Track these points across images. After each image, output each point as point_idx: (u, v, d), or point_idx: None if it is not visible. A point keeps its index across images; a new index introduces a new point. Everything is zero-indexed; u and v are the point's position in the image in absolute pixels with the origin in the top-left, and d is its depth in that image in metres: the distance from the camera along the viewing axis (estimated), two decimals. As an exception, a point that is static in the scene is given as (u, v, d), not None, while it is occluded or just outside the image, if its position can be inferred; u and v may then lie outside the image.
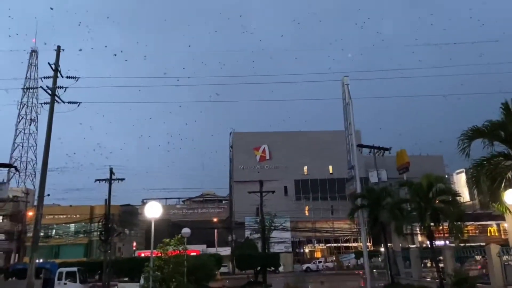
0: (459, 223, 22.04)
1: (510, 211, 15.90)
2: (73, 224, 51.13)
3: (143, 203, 51.07)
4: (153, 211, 16.14)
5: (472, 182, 16.41)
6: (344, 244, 54.89)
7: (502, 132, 15.59)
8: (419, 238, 44.53)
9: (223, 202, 63.10)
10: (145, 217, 18.80)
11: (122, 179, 33.92)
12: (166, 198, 58.78)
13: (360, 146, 37.92)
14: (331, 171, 58.69)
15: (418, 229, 31.04)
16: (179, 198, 63.15)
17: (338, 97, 36.44)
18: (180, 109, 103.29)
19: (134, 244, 52.18)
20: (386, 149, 38.21)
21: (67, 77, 22.76)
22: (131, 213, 51.58)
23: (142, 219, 44.10)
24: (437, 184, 21.30)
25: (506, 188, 15.18)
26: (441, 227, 23.62)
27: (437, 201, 21.90)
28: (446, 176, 43.57)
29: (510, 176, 15.10)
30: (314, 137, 58.89)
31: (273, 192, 39.14)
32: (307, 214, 56.85)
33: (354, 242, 53.94)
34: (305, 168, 60.16)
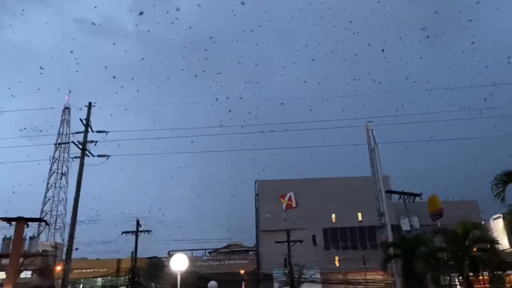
0: (500, 272, 20.78)
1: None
2: (100, 278, 50.91)
3: (169, 255, 50.58)
4: (179, 263, 15.96)
5: (510, 228, 15.60)
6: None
7: (538, 175, 14.98)
8: (459, 289, 41.95)
9: (250, 253, 61.81)
10: (171, 270, 18.53)
11: (148, 231, 34.00)
12: (192, 250, 58.09)
13: (389, 192, 37.09)
14: (360, 218, 57.08)
15: (456, 280, 29.29)
16: (205, 250, 62.31)
17: (363, 143, 36.35)
18: (206, 159, 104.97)
19: (161, 298, 51.24)
20: (417, 194, 37.18)
21: (97, 131, 23.68)
22: (157, 266, 51.00)
23: (168, 272, 43.52)
24: (474, 231, 20.41)
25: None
26: (481, 277, 22.31)
27: (474, 249, 20.85)
28: (483, 222, 41.65)
29: (551, 221, 14.31)
30: (342, 183, 57.92)
31: (301, 241, 38.20)
32: (337, 264, 54.80)
33: (388, 294, 51.27)
34: (333, 215, 58.77)
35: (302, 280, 36.60)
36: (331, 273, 51.48)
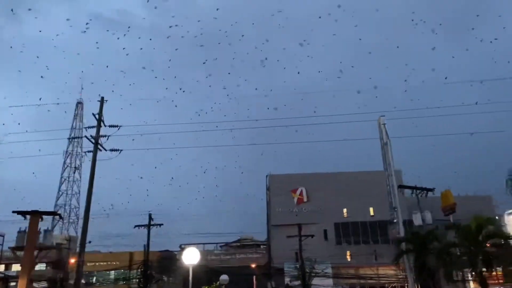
0: (515, 268, 20.51)
1: None
2: (113, 271, 51.55)
3: (181, 248, 50.99)
4: (191, 257, 16.07)
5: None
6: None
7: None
8: (472, 285, 41.48)
9: (261, 247, 61.96)
10: (183, 264, 18.68)
11: (160, 225, 34.29)
12: (203, 243, 58.48)
13: (402, 187, 36.72)
14: (372, 213, 56.77)
15: (469, 275, 29.00)
16: (216, 243, 62.68)
17: (376, 137, 36.03)
18: (218, 153, 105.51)
19: (174, 291, 51.69)
20: (430, 189, 36.66)
21: (109, 126, 23.88)
22: (169, 259, 51.47)
23: (180, 265, 43.94)
24: (487, 226, 20.16)
25: None
26: (494, 273, 22.06)
27: (488, 245, 20.62)
28: (497, 218, 41.10)
29: None
30: (353, 178, 57.62)
31: (312, 236, 38.14)
32: (349, 259, 54.66)
33: (401, 289, 50.99)
34: (345, 210, 58.55)
35: (313, 274, 36.56)
36: (342, 268, 51.41)
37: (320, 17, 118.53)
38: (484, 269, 20.19)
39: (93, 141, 22.86)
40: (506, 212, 44.37)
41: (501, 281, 24.75)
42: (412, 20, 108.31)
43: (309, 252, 38.94)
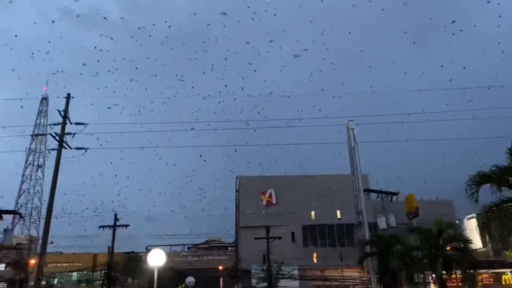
0: (472, 271, 21.33)
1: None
2: (75, 273, 50.18)
3: (147, 250, 50.19)
4: (156, 259, 15.85)
5: (482, 228, 16.02)
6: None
7: (509, 178, 15.38)
8: (432, 287, 42.90)
9: (229, 249, 61.80)
10: (148, 265, 18.41)
11: (126, 225, 33.62)
12: (170, 245, 57.79)
13: (368, 191, 37.62)
14: (339, 216, 57.70)
15: (430, 278, 29.97)
16: (184, 245, 62.04)
17: (344, 141, 36.69)
18: (186, 155, 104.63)
19: (137, 293, 50.76)
20: (394, 193, 37.78)
21: (75, 123, 23.25)
22: (135, 261, 50.56)
23: (146, 267, 43.32)
24: (448, 230, 20.89)
25: (518, 235, 14.77)
26: (454, 276, 22.87)
27: (448, 248, 21.36)
28: (457, 222, 42.65)
29: (521, 222, 14.71)
30: (322, 181, 58.41)
31: (279, 238, 38.39)
32: (315, 261, 55.33)
33: (364, 291, 52.01)
34: (313, 213, 59.24)
35: (280, 276, 36.80)
36: (309, 270, 51.98)
37: (291, 21, 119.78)
38: (444, 272, 20.90)
39: (57, 138, 22.18)
40: (466, 217, 46.07)
41: (460, 284, 25.67)
42: (381, 28, 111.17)
43: (276, 254, 39.18)
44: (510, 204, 15.20)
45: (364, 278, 45.34)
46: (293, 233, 57.26)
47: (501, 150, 16.17)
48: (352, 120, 35.68)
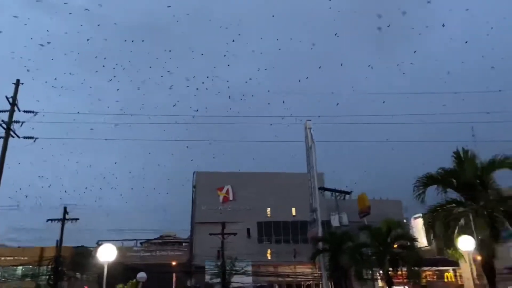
0: (417, 268, 22.36)
1: (463, 257, 16.30)
2: (20, 267, 47.86)
3: (98, 244, 48.68)
4: (106, 254, 15.42)
5: (428, 228, 16.84)
6: (307, 289, 54.03)
7: (454, 180, 16.24)
8: (380, 283, 44.58)
9: (184, 244, 61.17)
10: (98, 260, 17.90)
11: (76, 219, 32.45)
12: (122, 240, 56.32)
13: (322, 189, 38.50)
14: (294, 213, 58.62)
15: (378, 274, 31.16)
16: (137, 240, 60.70)
17: (302, 140, 37.28)
18: (144, 149, 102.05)
19: (86, 289, 49.17)
20: (347, 192, 38.90)
21: (24, 111, 22.16)
22: (84, 256, 48.90)
23: (96, 262, 42.07)
24: (396, 229, 21.78)
25: (459, 234, 15.63)
26: (400, 272, 23.86)
27: (395, 246, 22.26)
28: (405, 221, 44.52)
29: (463, 222, 15.60)
30: (278, 179, 59.06)
31: (234, 234, 38.49)
32: (269, 257, 55.92)
33: (316, 287, 53.16)
34: (269, 210, 59.83)
35: (234, 272, 36.91)
36: (262, 266, 52.48)
37: (251, 19, 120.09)
38: (390, 269, 21.78)
39: (4, 126, 21.03)
40: (413, 216, 48.17)
41: (405, 280, 26.85)
42: (336, 34, 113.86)
43: (231, 250, 39.23)
44: (453, 205, 16.08)
45: (315, 274, 46.39)
46: (248, 230, 57.57)
47: (449, 154, 17.03)
48: (310, 120, 36.32)
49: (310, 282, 51.11)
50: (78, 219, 32.51)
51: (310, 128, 34.96)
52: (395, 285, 24.30)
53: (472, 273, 17.93)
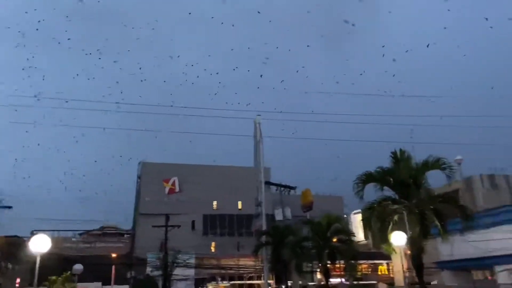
0: (353, 261, 23.40)
1: (395, 252, 17.27)
2: None
3: (32, 234, 46.25)
4: (39, 244, 14.72)
5: (365, 223, 17.66)
6: (248, 282, 54.61)
7: (391, 178, 17.10)
8: (318, 275, 46.14)
9: (125, 236, 59.62)
10: (30, 251, 17.04)
11: (9, 207, 30.63)
12: (59, 230, 53.83)
13: (268, 183, 39.02)
14: (240, 206, 58.95)
15: (317, 267, 32.25)
16: (75, 231, 58.27)
17: (251, 134, 37.49)
18: (85, 137, 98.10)
19: (18, 280, 46.58)
20: (292, 187, 39.72)
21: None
22: (17, 246, 46.26)
23: (29, 252, 39.96)
24: (335, 224, 22.64)
25: (393, 230, 16.55)
26: (337, 265, 24.86)
27: (334, 240, 23.13)
28: (345, 216, 46.33)
29: (396, 219, 16.51)
30: (226, 172, 59.09)
31: (178, 226, 38.11)
32: (213, 250, 55.96)
33: (258, 280, 53.93)
34: (215, 202, 59.76)
35: (176, 264, 36.58)
36: (206, 259, 52.45)
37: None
38: (328, 262, 22.61)
39: None
40: (353, 212, 50.15)
41: (342, 272, 27.96)
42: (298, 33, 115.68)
43: (175, 242, 38.80)
44: (389, 202, 16.94)
45: (258, 267, 47.11)
46: (193, 222, 57.23)
47: (388, 153, 17.87)
48: (260, 115, 36.63)
49: (252, 274, 51.86)
50: (11, 207, 30.71)
51: (259, 123, 35.26)
52: (332, 277, 25.31)
53: (402, 267, 19.03)
